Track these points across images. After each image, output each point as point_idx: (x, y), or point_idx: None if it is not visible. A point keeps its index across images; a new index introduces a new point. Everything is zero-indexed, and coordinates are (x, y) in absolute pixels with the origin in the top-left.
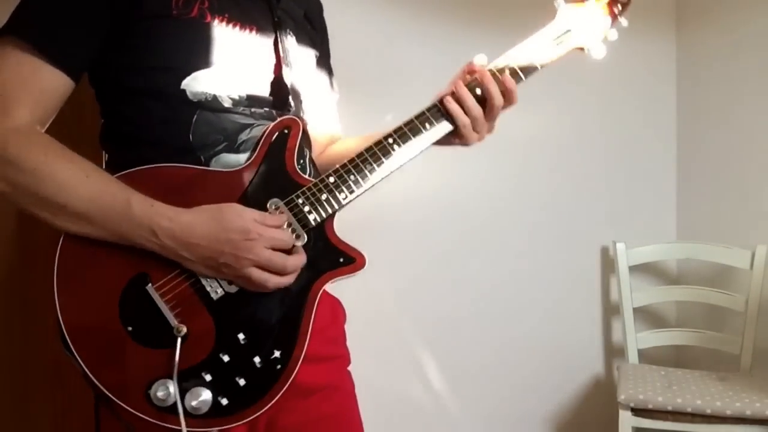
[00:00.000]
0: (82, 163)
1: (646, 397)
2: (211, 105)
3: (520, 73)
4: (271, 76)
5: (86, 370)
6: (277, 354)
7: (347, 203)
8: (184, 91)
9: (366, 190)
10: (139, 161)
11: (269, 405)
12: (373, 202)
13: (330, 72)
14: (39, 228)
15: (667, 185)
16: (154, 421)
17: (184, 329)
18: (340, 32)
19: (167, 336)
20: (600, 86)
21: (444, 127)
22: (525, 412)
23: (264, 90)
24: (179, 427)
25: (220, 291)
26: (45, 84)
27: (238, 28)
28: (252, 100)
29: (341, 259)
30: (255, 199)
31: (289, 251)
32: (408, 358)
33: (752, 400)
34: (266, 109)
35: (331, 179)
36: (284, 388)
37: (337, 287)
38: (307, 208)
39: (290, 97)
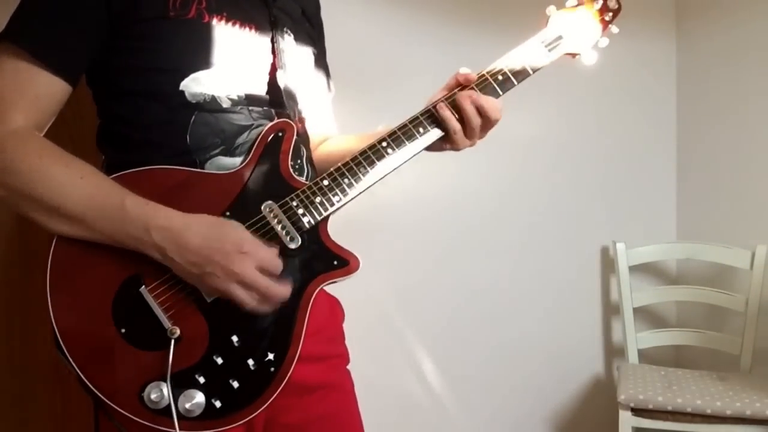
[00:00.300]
0: (78, 165)
1: (646, 397)
2: (209, 106)
3: (513, 78)
4: (267, 76)
5: (79, 372)
6: (270, 356)
7: (341, 206)
8: (182, 92)
9: (360, 193)
10: (136, 163)
11: (263, 407)
12: (373, 203)
13: (327, 70)
14: (39, 228)
15: (667, 185)
16: (148, 423)
17: (178, 331)
18: (339, 31)
19: (161, 338)
20: (600, 86)
21: (436, 132)
22: (525, 411)
23: (262, 89)
24: (173, 430)
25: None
26: (41, 89)
27: (237, 26)
28: (251, 100)
29: (335, 262)
30: (249, 202)
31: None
32: (408, 358)
33: (752, 400)
34: (265, 108)
35: (325, 182)
36: (278, 391)
37: (336, 287)
38: (301, 211)
39: (284, 98)
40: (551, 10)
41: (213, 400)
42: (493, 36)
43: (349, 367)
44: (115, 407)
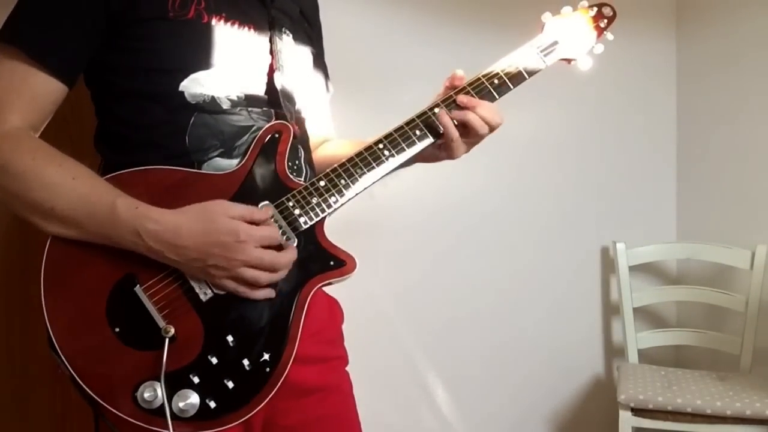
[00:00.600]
0: (71, 166)
1: (646, 397)
2: (209, 107)
3: (509, 83)
4: (266, 77)
5: (72, 372)
6: (266, 357)
7: (338, 207)
8: (182, 93)
9: (357, 194)
10: (133, 164)
11: (258, 408)
12: (372, 203)
13: (325, 70)
14: (39, 228)
15: (667, 185)
16: (141, 423)
17: (172, 330)
18: (338, 31)
19: (155, 337)
20: (600, 86)
21: (434, 136)
22: (525, 412)
23: (261, 89)
24: (166, 431)
25: (209, 292)
26: (37, 90)
27: (236, 27)
28: (250, 100)
29: (332, 262)
30: (246, 202)
31: (278, 248)
32: (407, 359)
33: (752, 400)
34: (264, 108)
35: (322, 183)
36: (273, 392)
37: (336, 287)
38: (297, 211)
39: (281, 100)
40: (547, 16)
41: (207, 401)
42: (492, 37)
43: (347, 368)
44: (108, 407)
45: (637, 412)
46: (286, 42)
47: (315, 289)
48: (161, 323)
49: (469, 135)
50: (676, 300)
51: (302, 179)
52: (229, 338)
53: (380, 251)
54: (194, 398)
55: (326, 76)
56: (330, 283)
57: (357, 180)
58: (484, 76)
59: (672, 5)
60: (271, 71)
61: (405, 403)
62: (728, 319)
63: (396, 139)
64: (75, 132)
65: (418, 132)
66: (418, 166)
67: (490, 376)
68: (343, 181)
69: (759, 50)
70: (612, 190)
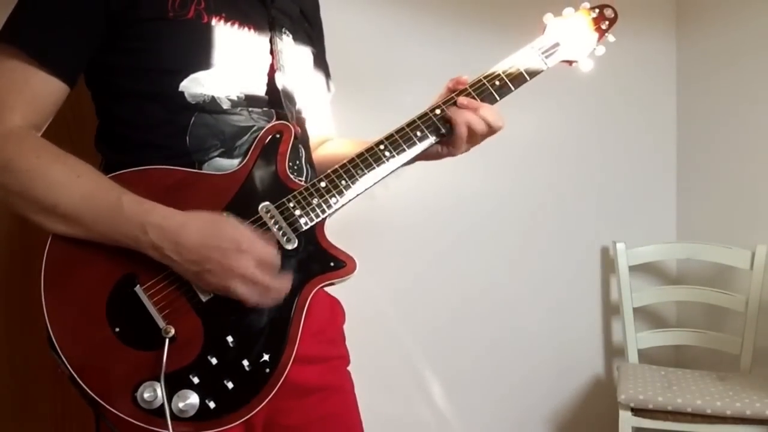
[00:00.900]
0: (75, 164)
1: (646, 397)
2: (209, 107)
3: (510, 84)
4: (267, 77)
5: (72, 371)
6: (266, 357)
7: (338, 208)
8: (182, 93)
9: (357, 195)
10: (134, 164)
11: (258, 409)
12: (372, 204)
13: (326, 69)
14: (39, 228)
15: (667, 185)
16: (141, 423)
17: (172, 331)
18: (338, 30)
19: (155, 337)
20: (600, 86)
21: (434, 137)
22: (525, 412)
23: (261, 90)
24: (166, 431)
25: (209, 293)
26: (38, 89)
27: (236, 27)
28: (250, 100)
29: (332, 263)
30: (246, 203)
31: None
32: (407, 359)
33: (752, 400)
34: (264, 108)
35: (323, 183)
36: (273, 392)
37: (335, 287)
38: (298, 212)
39: (282, 100)
40: (548, 17)
41: (207, 401)
42: (493, 37)
43: (349, 368)
44: (108, 407)
45: (637, 412)
46: (286, 42)
47: (315, 290)
48: (161, 323)
49: (469, 136)
50: (676, 300)
51: (303, 179)
52: (229, 339)
53: (379, 251)
54: (194, 398)
55: (327, 75)
56: (332, 284)
57: (358, 181)
58: (485, 77)
59: (672, 5)
60: (272, 71)
61: (405, 403)
62: (728, 319)
63: (397, 140)
64: (75, 132)
65: (419, 133)
66: (418, 167)
67: (490, 376)
68: (344, 182)
69: (759, 50)
70: (612, 190)
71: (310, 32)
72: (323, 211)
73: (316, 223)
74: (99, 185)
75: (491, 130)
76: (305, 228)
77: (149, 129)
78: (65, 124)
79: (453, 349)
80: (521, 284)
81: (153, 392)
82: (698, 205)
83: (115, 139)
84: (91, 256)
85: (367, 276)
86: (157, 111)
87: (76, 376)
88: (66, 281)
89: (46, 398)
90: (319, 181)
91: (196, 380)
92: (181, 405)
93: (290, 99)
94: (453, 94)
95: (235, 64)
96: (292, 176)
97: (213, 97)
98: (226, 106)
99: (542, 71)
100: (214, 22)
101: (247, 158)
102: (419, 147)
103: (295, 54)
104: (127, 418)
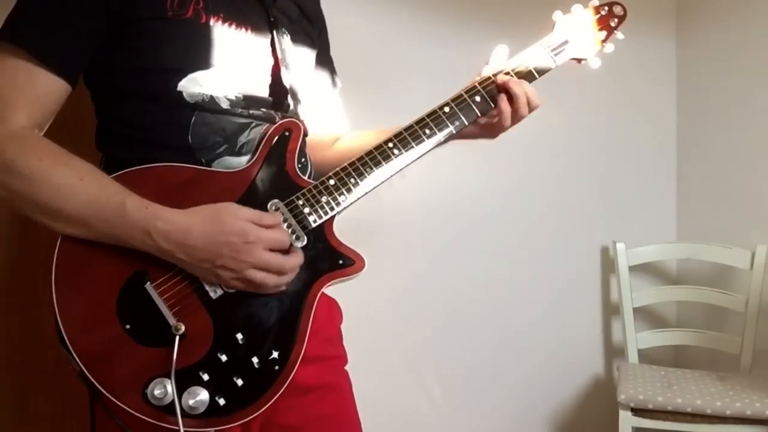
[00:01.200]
0: (79, 166)
1: (646, 397)
2: (208, 106)
3: None
4: (269, 77)
5: (83, 367)
6: (275, 354)
7: (347, 205)
8: (180, 92)
9: (366, 193)
10: (137, 161)
11: (267, 406)
12: (373, 203)
13: (331, 66)
14: (40, 228)
15: (667, 185)
16: (151, 420)
17: (183, 328)
18: (339, 29)
19: (165, 334)
20: (600, 86)
21: (443, 135)
22: (525, 412)
23: (261, 90)
24: (176, 427)
25: (219, 290)
26: (41, 88)
27: (234, 27)
28: (249, 101)
29: (340, 261)
30: (255, 201)
31: (286, 251)
32: (407, 358)
33: (752, 400)
34: (263, 110)
35: (332, 181)
36: (282, 389)
37: (336, 286)
38: (307, 210)
39: (289, 98)
40: (557, 15)
41: (217, 398)
42: (494, 36)
43: (347, 367)
44: (118, 403)
45: (637, 412)
46: (285, 42)
47: (324, 287)
48: (172, 320)
49: (514, 111)
50: (676, 300)
51: (307, 176)
52: (239, 336)
53: (380, 251)
54: (204, 395)
55: (332, 71)
56: (343, 281)
57: (366, 179)
58: (494, 75)
59: (672, 5)
60: (276, 71)
61: (405, 403)
62: (728, 319)
63: (405, 138)
64: (75, 132)
65: (427, 131)
66: (418, 167)
67: (490, 376)
68: (352, 180)
69: (759, 50)
70: (612, 190)
71: (310, 31)
72: (332, 209)
73: (325, 220)
74: (102, 188)
75: (530, 107)
76: (314, 225)
77: (149, 128)
78: (65, 124)
79: (452, 349)
80: (521, 284)
81: (163, 389)
82: (698, 205)
83: (116, 138)
84: (102, 253)
85: (368, 275)
86: (156, 110)
87: (86, 372)
88: (77, 278)
89: (46, 398)
90: (328, 178)
91: (206, 377)
92: (191, 402)
93: (296, 98)
94: (486, 78)
95: (234, 64)
96: (300, 174)
97: (212, 96)
98: (225, 105)
99: (551, 69)
100: (212, 21)
101: (256, 156)
102: (428, 145)
103: (294, 54)
104: (137, 414)
